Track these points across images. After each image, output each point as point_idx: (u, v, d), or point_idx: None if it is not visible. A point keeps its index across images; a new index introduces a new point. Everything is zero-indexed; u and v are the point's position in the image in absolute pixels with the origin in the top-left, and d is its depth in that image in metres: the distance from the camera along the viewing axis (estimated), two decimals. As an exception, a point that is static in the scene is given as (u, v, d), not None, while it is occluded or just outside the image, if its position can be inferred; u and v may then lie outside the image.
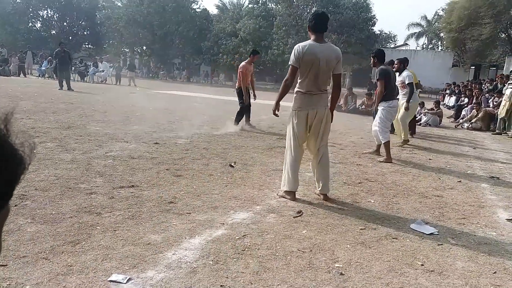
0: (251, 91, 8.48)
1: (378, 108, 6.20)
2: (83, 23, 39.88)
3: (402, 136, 7.59)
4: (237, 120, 8.26)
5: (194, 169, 4.79)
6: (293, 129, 3.88)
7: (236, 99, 8.51)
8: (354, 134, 8.71)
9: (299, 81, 3.86)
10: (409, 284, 2.45)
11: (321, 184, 3.98)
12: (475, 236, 3.34)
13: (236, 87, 8.44)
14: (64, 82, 14.87)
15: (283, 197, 3.93)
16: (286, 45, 28.45)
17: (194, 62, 38.06)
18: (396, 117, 6.98)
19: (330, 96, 4.01)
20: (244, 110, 8.38)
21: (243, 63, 8.48)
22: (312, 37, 3.81)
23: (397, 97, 6.76)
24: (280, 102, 4.00)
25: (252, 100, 8.50)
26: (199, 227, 3.07)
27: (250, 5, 34.62)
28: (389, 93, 6.16)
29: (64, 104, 10.24)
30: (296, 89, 3.90)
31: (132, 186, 3.95)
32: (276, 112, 4.04)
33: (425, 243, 3.11)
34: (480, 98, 13.22)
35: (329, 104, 3.97)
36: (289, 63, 3.84)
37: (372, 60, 6.18)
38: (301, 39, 27.71)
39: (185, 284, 2.27)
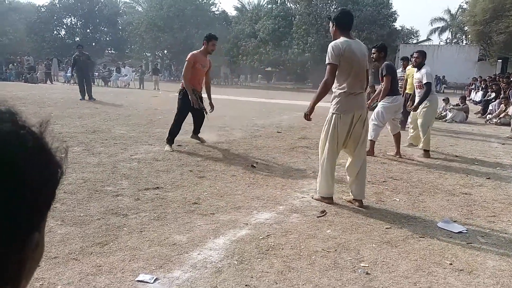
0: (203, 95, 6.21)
1: (379, 103, 5.97)
2: (105, 29, 40.76)
3: (422, 145, 6.18)
4: (171, 135, 5.85)
5: (216, 170, 4.83)
6: (335, 133, 3.66)
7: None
8: (377, 132, 8.56)
9: (341, 80, 3.64)
10: (438, 283, 2.40)
11: (357, 190, 3.80)
12: (506, 234, 3.24)
13: (180, 88, 5.99)
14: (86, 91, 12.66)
15: (320, 201, 3.81)
16: (306, 44, 28.28)
17: (214, 64, 38.44)
18: (416, 122, 6.35)
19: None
20: (194, 118, 6.21)
21: (193, 51, 6.00)
22: (342, 34, 3.68)
23: (400, 93, 6.54)
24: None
25: (208, 110, 6.20)
26: (223, 227, 3.10)
27: (268, 6, 34.60)
28: (394, 89, 5.99)
29: (89, 109, 10.49)
30: (337, 90, 3.67)
31: (157, 188, 4.02)
32: (310, 116, 3.79)
33: (454, 241, 3.04)
34: (508, 92, 12.79)
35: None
36: (327, 62, 3.59)
37: (377, 54, 5.79)
38: (321, 38, 27.62)
39: (211, 284, 2.29)
